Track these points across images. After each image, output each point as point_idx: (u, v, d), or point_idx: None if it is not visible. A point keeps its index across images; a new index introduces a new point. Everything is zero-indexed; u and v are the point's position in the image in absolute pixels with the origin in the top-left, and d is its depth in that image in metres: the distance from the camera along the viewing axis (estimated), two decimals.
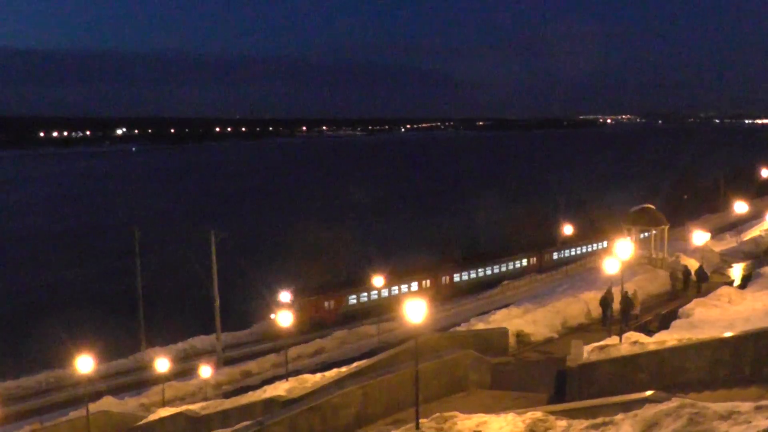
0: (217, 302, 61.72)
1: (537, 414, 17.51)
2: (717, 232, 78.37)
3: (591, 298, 38.12)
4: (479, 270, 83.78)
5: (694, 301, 34.46)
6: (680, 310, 33.17)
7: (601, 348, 23.50)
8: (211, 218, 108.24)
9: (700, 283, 42.00)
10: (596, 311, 36.78)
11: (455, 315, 65.45)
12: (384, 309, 67.76)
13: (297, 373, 39.26)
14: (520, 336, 32.66)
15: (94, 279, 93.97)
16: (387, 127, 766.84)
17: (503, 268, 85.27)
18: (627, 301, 33.54)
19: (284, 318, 37.84)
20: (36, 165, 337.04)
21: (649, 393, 16.11)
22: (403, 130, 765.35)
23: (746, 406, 13.05)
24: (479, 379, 24.26)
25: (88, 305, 73.68)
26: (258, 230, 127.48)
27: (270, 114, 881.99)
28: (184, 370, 54.12)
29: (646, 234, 52.66)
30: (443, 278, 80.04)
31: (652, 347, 22.50)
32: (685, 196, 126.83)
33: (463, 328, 40.12)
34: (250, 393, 34.75)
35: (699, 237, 53.91)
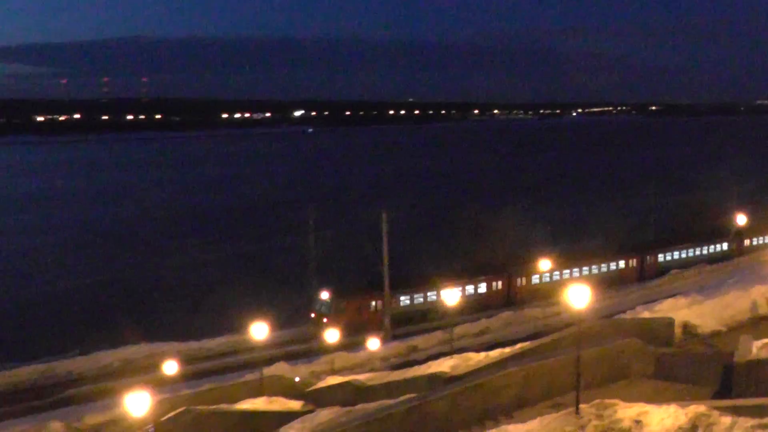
0: (387, 281, 63.03)
1: (701, 408, 17.06)
2: None
3: (762, 293, 36.29)
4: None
5: None
6: None
7: None
8: (383, 197, 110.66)
9: None
10: (765, 306, 34.98)
11: (619, 303, 63.81)
12: (441, 313, 58.89)
13: (461, 350, 39.48)
14: (686, 327, 31.60)
15: (270, 252, 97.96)
16: (558, 111, 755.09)
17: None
18: None
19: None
20: (216, 145, 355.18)
21: None
22: (574, 114, 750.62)
23: None
24: (642, 369, 23.75)
25: (266, 276, 77.27)
26: (428, 209, 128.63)
27: (442, 98, 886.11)
28: (352, 342, 55.43)
29: None
30: (648, 258, 78.82)
31: None
32: None
33: (628, 315, 39.22)
34: (415, 367, 35.17)
35: None
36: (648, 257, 78.75)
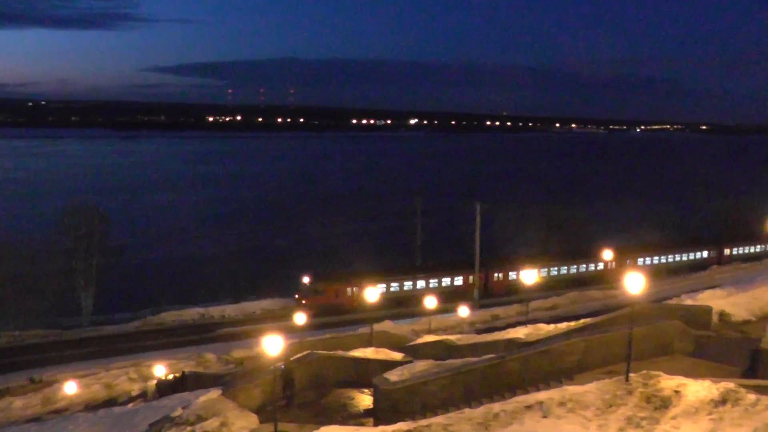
0: (477, 263, 62.97)
1: (730, 385, 16.71)
2: None
3: None
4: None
5: None
6: None
7: None
8: (476, 192, 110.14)
9: None
10: None
11: (667, 291, 61.70)
12: (411, 302, 57.95)
13: (534, 321, 39.20)
14: (722, 315, 30.47)
15: (381, 232, 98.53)
16: (625, 127, 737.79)
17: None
18: None
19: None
20: (343, 144, 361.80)
21: None
22: (638, 130, 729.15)
23: None
24: (683, 347, 23.11)
25: (376, 251, 77.44)
26: (510, 204, 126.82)
27: (530, 113, 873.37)
28: (446, 308, 55.60)
29: None
30: (726, 250, 77.62)
31: None
32: None
33: (673, 302, 38.00)
34: (496, 333, 35.13)
35: None
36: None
